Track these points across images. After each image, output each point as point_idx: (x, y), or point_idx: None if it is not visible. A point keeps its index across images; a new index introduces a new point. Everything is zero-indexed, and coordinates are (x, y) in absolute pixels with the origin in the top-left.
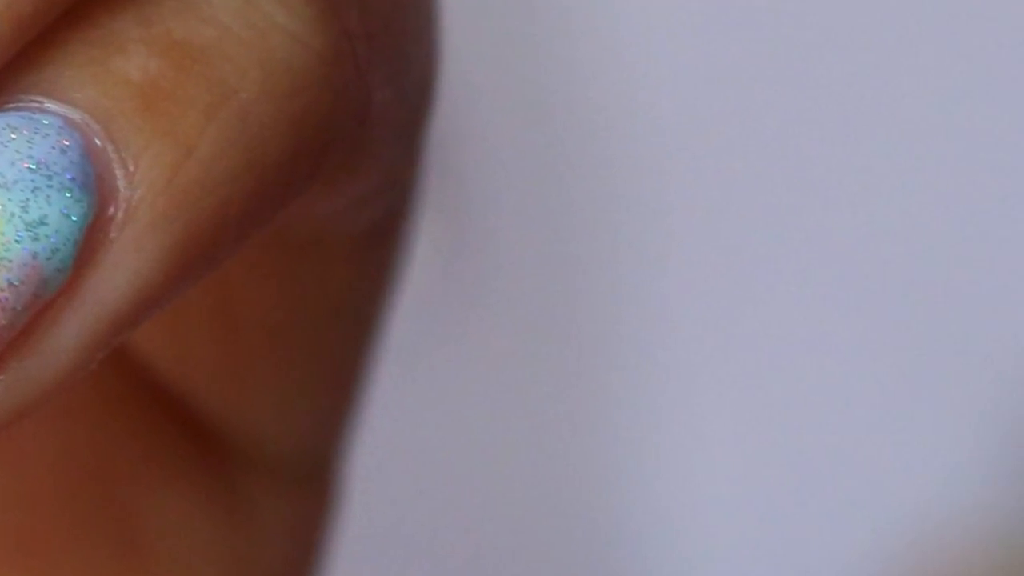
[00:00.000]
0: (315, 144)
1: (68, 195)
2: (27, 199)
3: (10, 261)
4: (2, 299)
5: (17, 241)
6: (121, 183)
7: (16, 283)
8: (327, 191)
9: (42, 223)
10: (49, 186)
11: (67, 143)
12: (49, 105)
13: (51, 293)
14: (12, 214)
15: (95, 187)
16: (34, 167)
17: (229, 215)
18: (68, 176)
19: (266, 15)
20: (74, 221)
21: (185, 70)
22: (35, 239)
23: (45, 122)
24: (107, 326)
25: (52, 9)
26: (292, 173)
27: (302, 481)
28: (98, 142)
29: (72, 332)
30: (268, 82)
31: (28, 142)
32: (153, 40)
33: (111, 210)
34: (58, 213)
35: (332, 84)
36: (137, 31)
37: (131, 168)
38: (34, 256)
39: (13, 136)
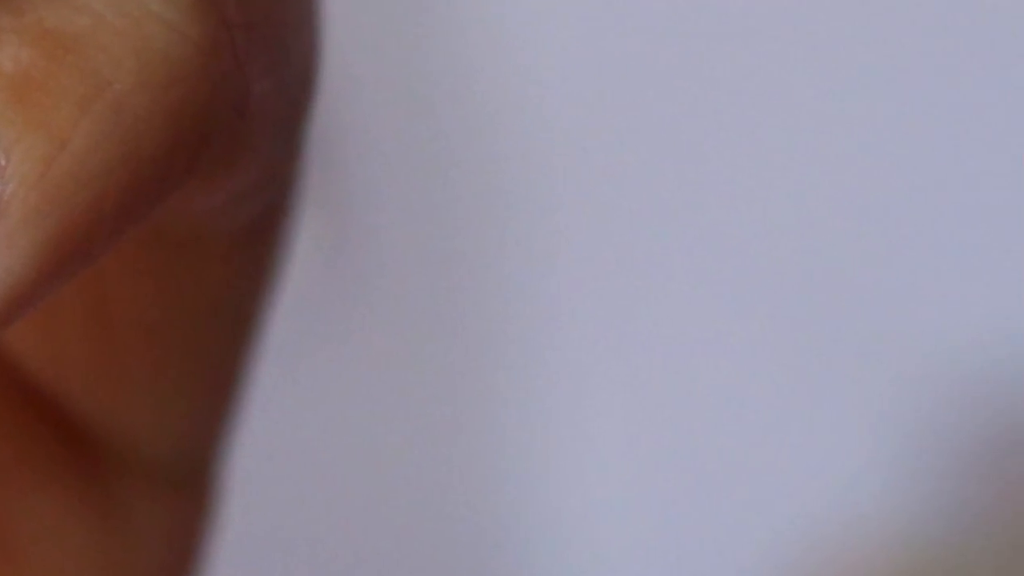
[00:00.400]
0: (192, 136)
1: None
2: None
3: None
4: None
5: None
6: None
7: None
8: (205, 186)
9: None
10: None
11: None
12: None
13: None
14: None
15: None
16: None
17: (104, 210)
18: None
19: (141, 3)
20: None
21: (58, 60)
22: None
23: None
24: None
25: None
26: (169, 167)
27: (179, 485)
28: None
29: None
30: (144, 72)
31: None
32: (24, 29)
33: None
34: None
35: (210, 74)
36: (7, 20)
37: (2, 162)
38: None
39: None
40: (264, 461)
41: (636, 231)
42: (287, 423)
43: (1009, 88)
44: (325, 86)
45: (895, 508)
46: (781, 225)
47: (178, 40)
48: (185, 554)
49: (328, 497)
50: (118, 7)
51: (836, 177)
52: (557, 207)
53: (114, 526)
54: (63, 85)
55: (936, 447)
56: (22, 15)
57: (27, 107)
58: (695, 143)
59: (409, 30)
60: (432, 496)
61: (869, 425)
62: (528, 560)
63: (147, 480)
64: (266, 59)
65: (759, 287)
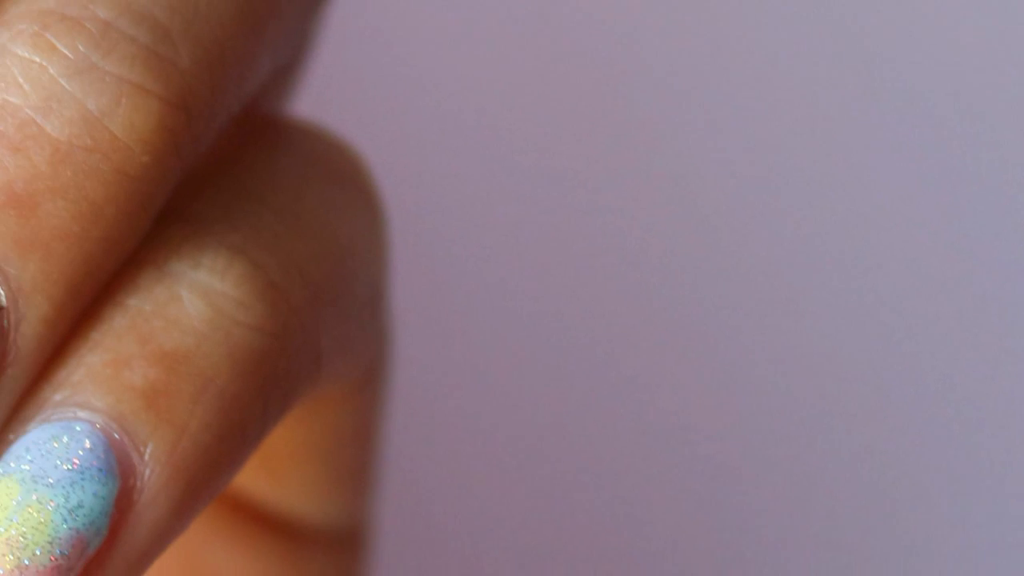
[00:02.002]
0: (281, 394)
1: (97, 482)
2: (68, 491)
3: (60, 538)
4: (60, 566)
5: (63, 523)
6: (137, 461)
7: (67, 553)
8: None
9: (80, 506)
10: (83, 478)
11: (94, 443)
12: (81, 414)
13: (95, 548)
14: (58, 505)
15: (117, 471)
16: (70, 467)
17: (217, 468)
18: (96, 468)
19: (230, 318)
20: (103, 499)
21: (174, 372)
22: (76, 519)
23: (78, 428)
24: (136, 561)
25: (59, 340)
26: (264, 423)
27: (343, 542)
28: (116, 436)
29: (114, 570)
30: (236, 367)
31: (67, 447)
32: (150, 355)
33: (132, 481)
34: (91, 496)
35: (286, 349)
36: (138, 348)
37: (142, 450)
38: (76, 531)
39: (55, 444)
40: None
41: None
42: None
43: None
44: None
45: None
46: None
47: (259, 336)
48: None
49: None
50: (214, 325)
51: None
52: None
53: (297, 569)
54: (179, 389)
55: None
56: (147, 344)
57: (156, 410)
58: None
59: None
60: None
61: None
62: None
63: (319, 540)
64: (329, 314)
65: None
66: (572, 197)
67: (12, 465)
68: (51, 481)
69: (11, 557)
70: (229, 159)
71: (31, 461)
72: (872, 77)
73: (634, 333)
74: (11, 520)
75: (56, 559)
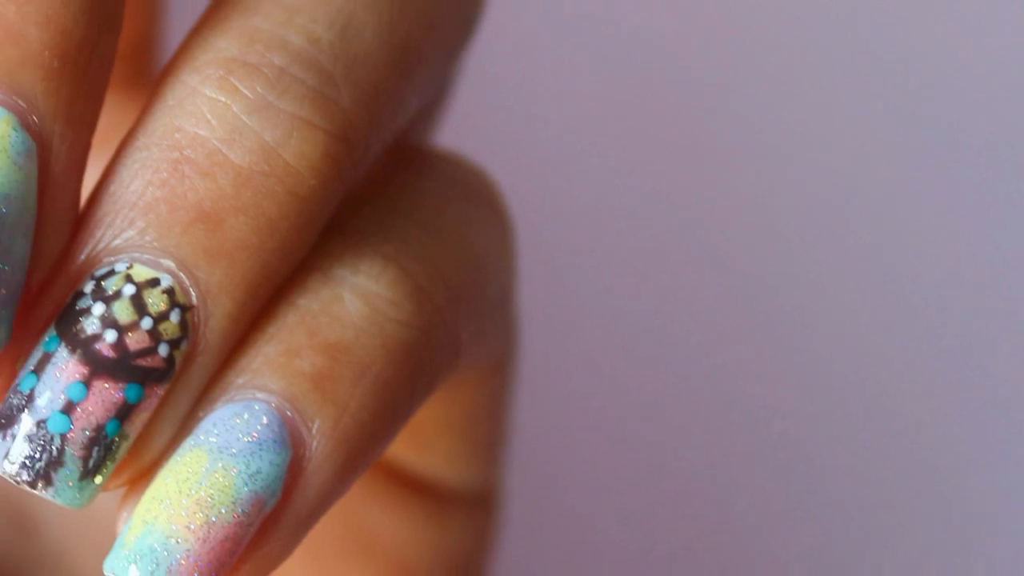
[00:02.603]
0: (424, 380)
1: (273, 452)
2: (248, 460)
3: (241, 499)
4: (242, 522)
5: (244, 486)
6: (305, 435)
7: (247, 511)
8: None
9: (258, 472)
10: (261, 449)
11: (270, 419)
12: (259, 395)
13: (271, 507)
14: (240, 471)
15: (289, 443)
16: (249, 439)
17: (372, 441)
18: (272, 440)
19: (383, 315)
20: (278, 466)
21: (337, 360)
22: (255, 483)
23: (257, 407)
24: (306, 518)
25: (241, 333)
26: (412, 403)
27: (478, 502)
28: (289, 413)
29: (287, 525)
30: (389, 356)
31: (247, 423)
32: (316, 346)
33: (302, 451)
34: (268, 464)
35: (431, 342)
36: (306, 340)
37: (310, 426)
38: (255, 493)
39: (238, 420)
40: None
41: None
42: None
43: None
44: None
45: None
46: None
47: (408, 329)
48: (485, 544)
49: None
50: (370, 320)
51: None
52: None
53: (440, 526)
54: (341, 374)
55: None
56: (314, 336)
57: (321, 392)
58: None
59: None
60: None
61: None
62: None
63: (458, 502)
64: (466, 312)
65: None
66: (668, 218)
67: (201, 438)
68: (234, 451)
69: (201, 515)
70: (383, 182)
71: (217, 435)
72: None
73: (728, 329)
74: (200, 484)
75: (238, 516)
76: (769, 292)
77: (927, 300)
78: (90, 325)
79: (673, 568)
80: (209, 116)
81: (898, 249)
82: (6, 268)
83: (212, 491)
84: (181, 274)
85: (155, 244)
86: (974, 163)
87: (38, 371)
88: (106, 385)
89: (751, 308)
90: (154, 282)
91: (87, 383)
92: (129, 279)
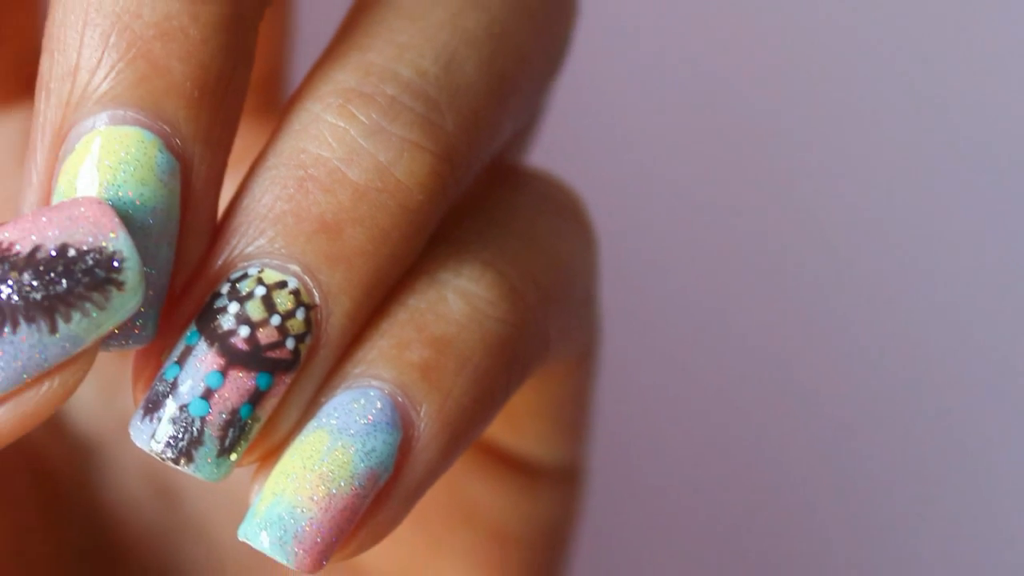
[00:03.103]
0: (518, 370)
1: (386, 432)
2: (364, 439)
3: (358, 474)
4: (359, 494)
5: (361, 463)
6: (414, 418)
7: (364, 485)
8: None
9: (373, 451)
10: (375, 430)
11: (384, 404)
12: (374, 383)
13: (384, 481)
14: (357, 450)
15: (400, 424)
16: (365, 421)
17: (473, 423)
18: (385, 422)
19: (483, 313)
20: (390, 445)
21: (442, 353)
22: (370, 460)
23: (372, 393)
24: (414, 491)
25: (358, 329)
26: (507, 390)
27: (565, 478)
28: (400, 399)
29: (398, 497)
30: (487, 348)
31: (364, 407)
32: (424, 340)
33: (411, 432)
34: (382, 443)
35: (524, 335)
36: (415, 335)
37: (418, 410)
38: (371, 469)
39: (355, 405)
40: None
41: None
42: None
43: None
44: None
45: None
46: None
47: (503, 326)
48: (573, 517)
49: None
50: (471, 317)
51: None
52: None
53: (532, 497)
54: (445, 365)
55: None
56: (422, 331)
57: (428, 380)
58: None
59: None
60: None
61: None
62: None
63: (547, 476)
64: (555, 311)
65: None
66: (725, 230)
67: (323, 420)
68: (352, 432)
69: (323, 488)
70: (482, 197)
71: (337, 417)
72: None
73: (796, 334)
74: (323, 461)
75: (356, 489)
76: (816, 289)
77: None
78: (226, 322)
79: (740, 534)
80: (330, 139)
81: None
82: (153, 272)
83: (333, 467)
84: (306, 277)
85: (283, 251)
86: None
87: (181, 362)
88: (240, 374)
89: (798, 305)
90: (282, 284)
91: (224, 372)
92: (260, 281)
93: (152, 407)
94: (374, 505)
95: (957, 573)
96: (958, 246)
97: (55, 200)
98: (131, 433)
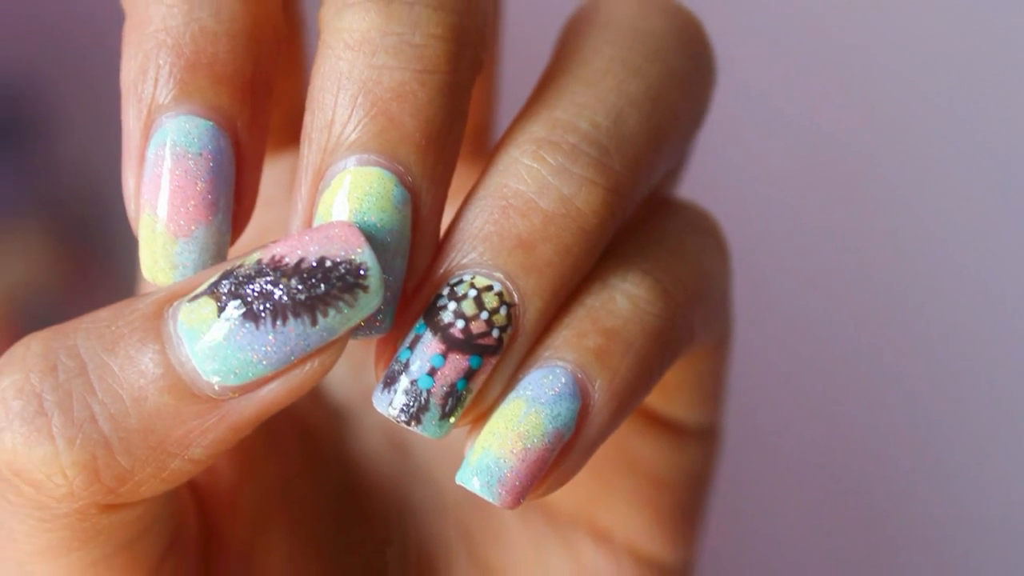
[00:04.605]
0: (670, 353)
1: (569, 401)
2: (552, 407)
3: (548, 433)
4: (548, 448)
5: (549, 424)
6: (590, 390)
7: (551, 441)
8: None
9: (559, 415)
10: (561, 399)
11: (567, 379)
12: (559, 363)
13: (567, 438)
14: (547, 414)
15: (580, 395)
16: (553, 392)
17: (635, 394)
18: (568, 393)
19: (642, 310)
20: (572, 411)
21: (612, 340)
22: (556, 422)
23: (558, 371)
24: (590, 446)
25: (547, 322)
26: (661, 369)
27: (707, 435)
28: (579, 375)
29: (578, 451)
30: (646, 337)
31: (552, 381)
32: (597, 330)
33: (587, 401)
34: (566, 409)
35: (674, 328)
36: (591, 326)
37: (594, 384)
38: (557, 429)
39: (545, 380)
40: None
41: None
42: None
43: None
44: None
45: None
46: None
47: (659, 320)
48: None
49: None
50: (632, 313)
51: None
52: None
53: (680, 450)
54: (614, 350)
55: None
56: (596, 323)
57: (601, 361)
58: None
59: None
60: None
61: None
62: None
63: (692, 435)
64: (699, 308)
65: None
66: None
67: (521, 392)
68: (543, 401)
69: (520, 444)
70: (642, 222)
71: (531, 389)
72: None
73: (898, 339)
74: (520, 423)
75: (546, 444)
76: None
77: None
78: (446, 316)
79: (842, 484)
80: (526, 177)
81: None
82: (390, 279)
83: (528, 427)
84: (507, 282)
85: (490, 262)
86: None
87: (411, 347)
88: (457, 357)
89: (891, 310)
90: (489, 288)
91: (444, 355)
92: (473, 286)
93: (390, 381)
94: (559, 457)
95: None
96: None
97: (315, 223)
98: (373, 401)
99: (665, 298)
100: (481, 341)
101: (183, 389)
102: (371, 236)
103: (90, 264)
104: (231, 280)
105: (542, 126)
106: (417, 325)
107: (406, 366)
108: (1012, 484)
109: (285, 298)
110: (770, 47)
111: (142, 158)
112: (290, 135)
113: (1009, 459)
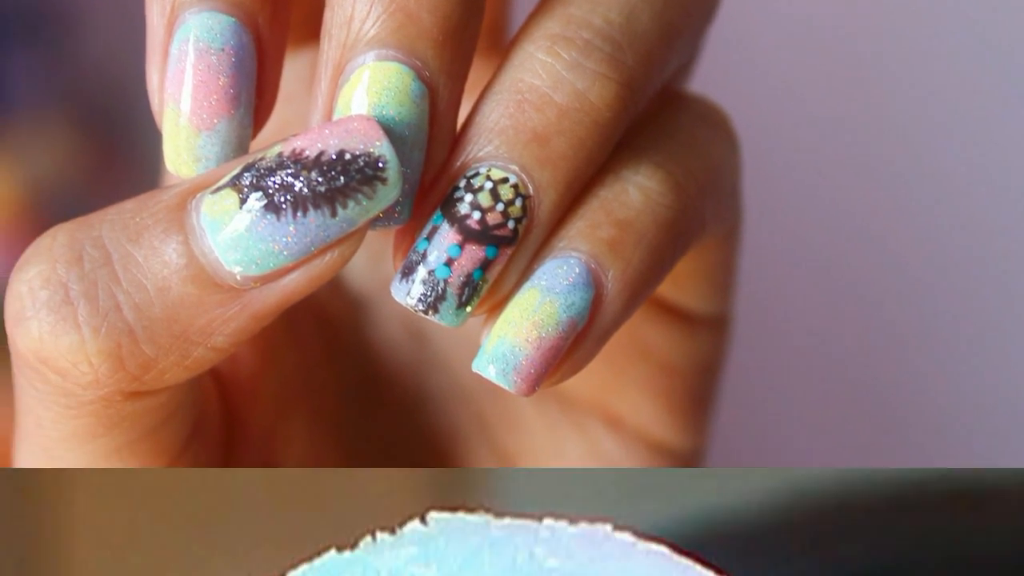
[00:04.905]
0: (681, 244)
1: (583, 290)
2: (566, 296)
3: (562, 321)
4: (562, 336)
5: (564, 313)
6: (603, 280)
7: (566, 330)
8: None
9: (573, 304)
10: (575, 288)
11: (581, 269)
12: (573, 253)
13: (581, 327)
14: (561, 303)
15: (593, 284)
16: (567, 282)
17: (647, 283)
18: (582, 283)
19: (655, 201)
20: (586, 299)
21: (624, 231)
22: (570, 311)
23: (572, 261)
24: (603, 335)
25: (561, 214)
26: (673, 259)
27: (716, 323)
28: (593, 265)
29: (591, 339)
30: (658, 228)
31: (566, 271)
32: (610, 222)
33: (601, 291)
34: (579, 298)
35: (685, 219)
36: (604, 217)
37: (606, 274)
38: (571, 318)
39: (560, 269)
40: None
41: None
42: None
43: None
44: None
45: None
46: None
47: (670, 211)
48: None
49: None
50: (644, 205)
51: None
52: None
53: (691, 338)
54: (627, 240)
55: None
56: (609, 214)
57: (614, 251)
58: None
59: None
60: None
61: None
62: None
63: (702, 322)
64: (709, 199)
65: None
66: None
67: (535, 281)
68: (557, 290)
69: (535, 332)
70: (654, 115)
71: (546, 279)
72: None
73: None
74: (535, 311)
75: (560, 333)
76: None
77: None
78: (463, 208)
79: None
80: (541, 72)
81: None
82: (408, 171)
83: (542, 316)
84: (522, 175)
85: (505, 155)
86: None
87: (429, 238)
88: (473, 247)
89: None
90: (505, 180)
91: (461, 246)
92: (489, 178)
93: (407, 271)
94: (573, 345)
95: None
96: None
97: (335, 117)
98: (392, 290)
99: (677, 190)
100: (497, 232)
101: (206, 279)
102: (389, 129)
103: (115, 157)
104: (253, 172)
105: (556, 22)
106: (434, 216)
107: (424, 256)
108: (1016, 364)
109: (305, 190)
110: None
111: (166, 53)
112: (310, 31)
113: (1013, 339)
